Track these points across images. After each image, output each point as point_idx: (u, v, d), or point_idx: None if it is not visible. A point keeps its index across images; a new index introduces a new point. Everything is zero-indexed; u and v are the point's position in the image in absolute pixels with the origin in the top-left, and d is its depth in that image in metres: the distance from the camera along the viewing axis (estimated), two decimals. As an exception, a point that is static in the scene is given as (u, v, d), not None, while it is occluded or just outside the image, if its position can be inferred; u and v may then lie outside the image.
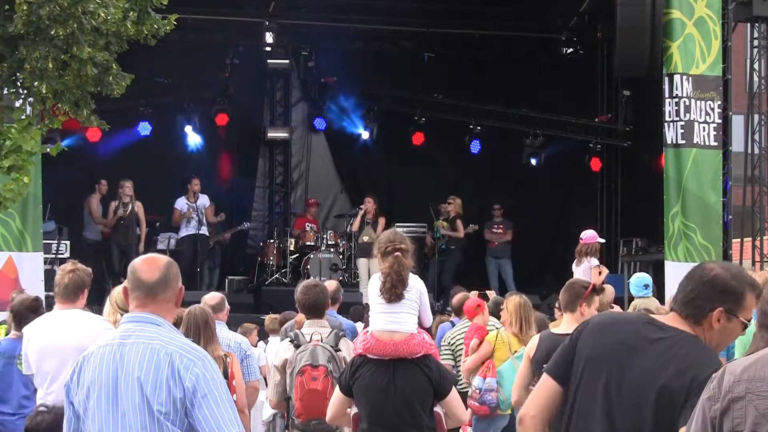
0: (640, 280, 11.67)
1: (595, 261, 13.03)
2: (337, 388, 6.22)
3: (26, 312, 7.24)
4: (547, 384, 3.87)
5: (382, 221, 18.07)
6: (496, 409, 8.51)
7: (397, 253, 6.01)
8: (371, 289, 6.13)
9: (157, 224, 18.23)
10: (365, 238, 17.78)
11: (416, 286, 6.11)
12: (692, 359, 3.59)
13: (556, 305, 7.86)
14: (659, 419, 3.53)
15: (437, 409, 6.09)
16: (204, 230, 17.80)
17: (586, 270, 12.83)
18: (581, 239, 13.21)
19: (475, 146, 20.42)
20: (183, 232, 17.75)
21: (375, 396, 5.93)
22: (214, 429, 3.75)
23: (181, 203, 17.85)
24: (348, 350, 6.67)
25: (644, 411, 3.57)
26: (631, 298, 11.96)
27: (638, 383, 3.61)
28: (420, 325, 6.20)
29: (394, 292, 5.98)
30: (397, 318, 5.99)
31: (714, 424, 2.98)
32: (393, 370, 5.93)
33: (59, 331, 6.41)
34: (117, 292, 7.01)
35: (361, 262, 17.68)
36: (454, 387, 6.17)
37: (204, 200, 17.99)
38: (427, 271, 18.18)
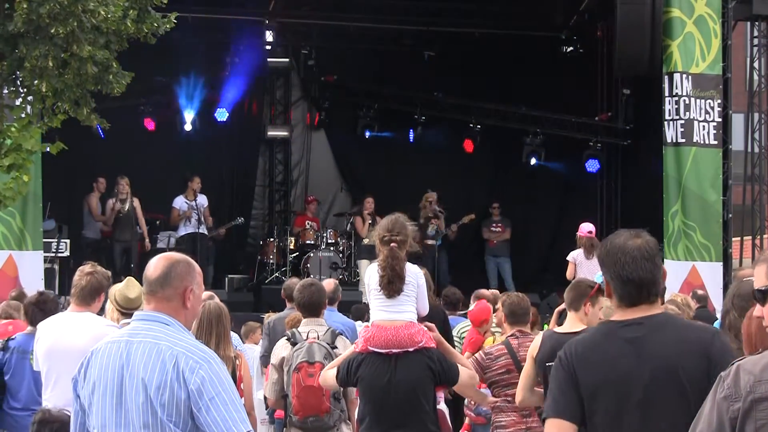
0: None
1: None
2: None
3: (33, 308, 7.24)
4: (562, 428, 3.62)
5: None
6: None
7: (392, 245, 6.00)
8: (370, 279, 6.11)
9: (158, 222, 18.21)
10: (366, 240, 17.74)
11: (413, 279, 6.09)
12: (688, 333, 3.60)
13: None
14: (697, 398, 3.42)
15: (441, 407, 6.08)
16: (203, 229, 17.74)
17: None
18: (589, 232, 13.27)
19: (475, 145, 20.38)
20: (182, 231, 17.65)
21: (377, 392, 5.93)
22: (223, 430, 3.73)
23: (180, 202, 17.78)
24: (344, 348, 6.67)
25: (685, 399, 3.52)
26: None
27: (662, 378, 3.55)
28: (417, 313, 6.19)
29: (392, 288, 5.98)
30: (397, 308, 6.01)
31: (734, 425, 2.90)
32: (394, 365, 5.92)
33: (67, 333, 6.40)
34: (116, 289, 7.00)
35: (363, 264, 17.62)
36: (461, 370, 6.12)
37: (203, 200, 17.95)
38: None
